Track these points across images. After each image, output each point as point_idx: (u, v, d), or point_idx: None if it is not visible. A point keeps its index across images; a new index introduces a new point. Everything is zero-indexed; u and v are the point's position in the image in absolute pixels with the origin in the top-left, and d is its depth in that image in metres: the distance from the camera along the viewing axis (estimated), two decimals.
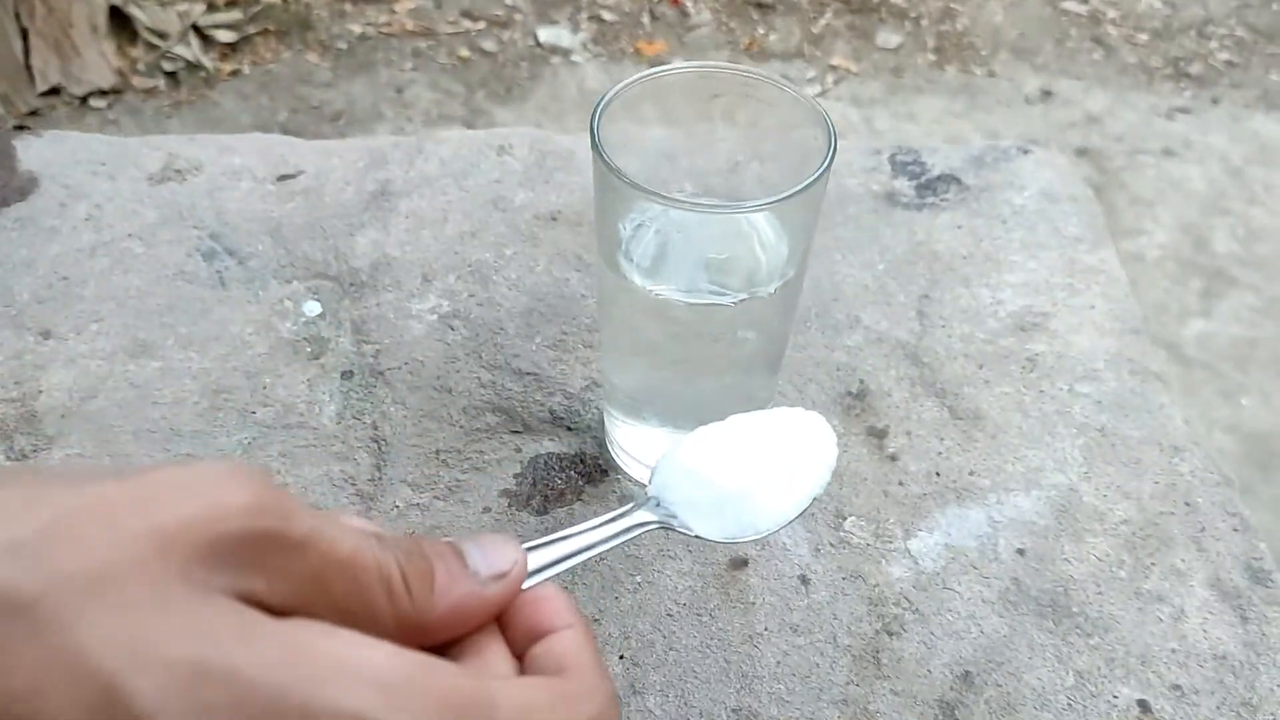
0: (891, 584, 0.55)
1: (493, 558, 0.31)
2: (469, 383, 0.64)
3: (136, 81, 2.37)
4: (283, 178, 0.76)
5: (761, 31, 2.62)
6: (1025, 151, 0.80)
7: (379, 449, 0.61)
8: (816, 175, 0.45)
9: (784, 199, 0.45)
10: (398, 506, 0.58)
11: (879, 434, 0.62)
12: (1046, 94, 2.50)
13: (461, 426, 0.62)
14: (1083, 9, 2.72)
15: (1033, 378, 0.65)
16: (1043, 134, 2.40)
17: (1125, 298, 0.70)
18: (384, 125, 2.31)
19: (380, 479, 0.59)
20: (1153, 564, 0.56)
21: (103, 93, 2.35)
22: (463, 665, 0.29)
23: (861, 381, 0.64)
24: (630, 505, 0.39)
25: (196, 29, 2.50)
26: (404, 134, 2.32)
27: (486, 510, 0.58)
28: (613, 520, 0.37)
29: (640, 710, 0.50)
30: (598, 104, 0.48)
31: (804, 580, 0.55)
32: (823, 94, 2.43)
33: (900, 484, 0.60)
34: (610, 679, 0.30)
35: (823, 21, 2.61)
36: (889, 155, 0.79)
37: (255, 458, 0.60)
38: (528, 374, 0.64)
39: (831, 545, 0.57)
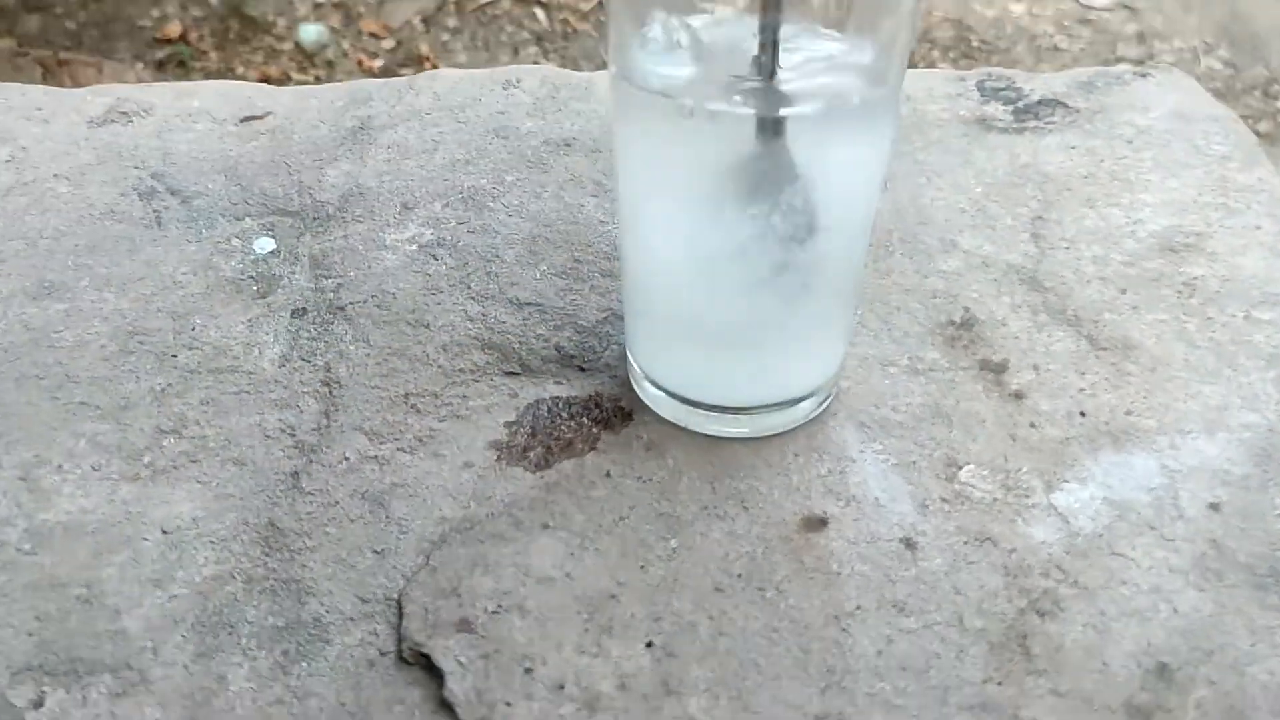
0: (1035, 549, 0.39)
1: None
2: (452, 315, 0.49)
3: None
4: (247, 119, 0.63)
5: None
6: (1143, 75, 0.65)
7: (329, 393, 0.46)
8: None
9: None
10: (347, 459, 0.43)
11: (996, 368, 0.46)
12: None
13: (440, 366, 0.47)
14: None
15: (1194, 304, 0.49)
16: None
17: None
18: None
19: (329, 426, 0.44)
20: None
21: None
22: None
23: (966, 309, 0.49)
24: None
25: None
26: None
27: (468, 465, 0.43)
28: None
29: (679, 717, 0.34)
30: None
31: (909, 544, 0.39)
32: None
33: (1032, 426, 0.44)
34: None
35: None
36: (976, 82, 0.65)
37: (169, 406, 0.45)
38: (528, 304, 0.50)
39: (944, 500, 0.41)
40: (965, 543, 0.39)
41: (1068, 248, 0.52)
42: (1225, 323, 0.48)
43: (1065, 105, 0.62)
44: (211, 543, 0.40)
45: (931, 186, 0.56)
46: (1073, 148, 0.59)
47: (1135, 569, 0.38)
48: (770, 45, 0.33)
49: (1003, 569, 0.38)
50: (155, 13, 2.47)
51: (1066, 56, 2.51)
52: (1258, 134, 2.40)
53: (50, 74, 2.16)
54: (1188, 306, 0.49)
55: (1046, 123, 0.61)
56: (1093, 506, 0.40)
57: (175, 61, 2.32)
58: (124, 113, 0.64)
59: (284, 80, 2.33)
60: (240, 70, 2.34)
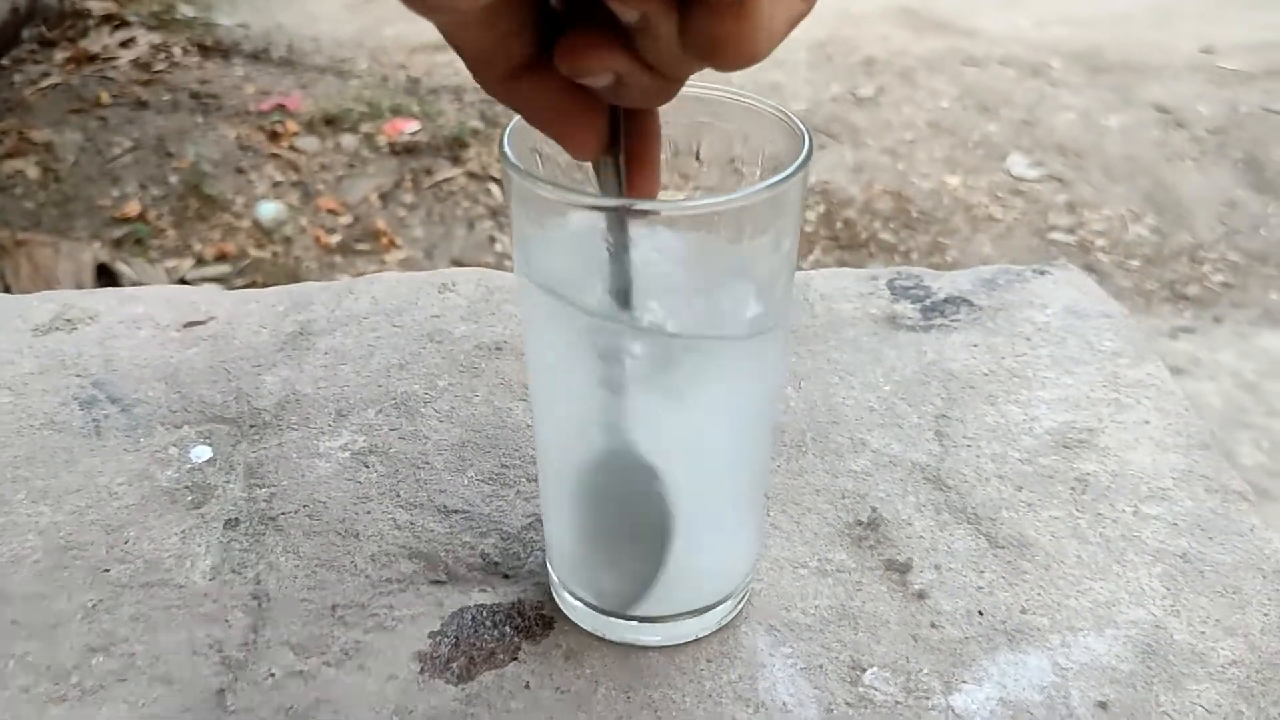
0: None
1: None
2: (381, 525, 0.51)
3: None
4: (189, 324, 0.66)
5: None
6: (1041, 273, 0.70)
7: (259, 607, 0.47)
8: (794, 169, 0.35)
9: (754, 192, 0.34)
10: (273, 675, 0.44)
11: (900, 568, 0.48)
12: None
13: (368, 576, 0.49)
14: (1071, 239, 2.72)
15: (1086, 500, 0.52)
16: None
17: (1185, 411, 0.58)
18: None
19: (255, 642, 0.46)
20: None
21: None
22: None
23: (874, 509, 0.52)
24: None
25: (184, 283, 2.48)
26: None
27: (392, 678, 0.44)
28: None
29: None
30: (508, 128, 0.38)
31: None
32: None
33: (933, 626, 0.46)
34: None
35: (812, 257, 2.60)
36: (887, 280, 0.69)
37: (99, 623, 0.47)
38: (455, 512, 0.52)
39: (848, 704, 0.42)
40: None
41: (969, 445, 0.55)
42: (1115, 519, 0.51)
43: (970, 303, 0.66)
44: None
45: (843, 385, 0.60)
46: (975, 345, 0.63)
47: None
48: (623, 290, 0.36)
49: None
50: (115, 192, 2.53)
51: (1001, 226, 2.62)
52: (1186, 298, 2.50)
53: (7, 254, 2.20)
54: (1080, 503, 0.52)
55: (952, 320, 0.65)
56: (988, 707, 0.42)
57: (133, 240, 2.36)
58: (69, 320, 0.66)
59: (241, 256, 2.38)
60: (198, 247, 2.39)
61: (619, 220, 0.34)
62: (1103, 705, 0.42)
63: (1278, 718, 0.42)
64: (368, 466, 0.54)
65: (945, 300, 0.67)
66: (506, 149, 0.36)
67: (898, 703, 0.43)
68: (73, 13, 3.45)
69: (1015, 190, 2.74)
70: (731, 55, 0.24)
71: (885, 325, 0.65)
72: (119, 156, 2.71)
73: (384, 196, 2.63)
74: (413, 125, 2.89)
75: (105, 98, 2.96)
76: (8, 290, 2.27)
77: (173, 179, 2.62)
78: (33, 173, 2.63)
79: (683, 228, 0.36)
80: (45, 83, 3.05)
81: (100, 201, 2.53)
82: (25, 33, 3.32)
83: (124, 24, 3.43)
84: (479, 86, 0.29)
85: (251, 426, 0.58)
